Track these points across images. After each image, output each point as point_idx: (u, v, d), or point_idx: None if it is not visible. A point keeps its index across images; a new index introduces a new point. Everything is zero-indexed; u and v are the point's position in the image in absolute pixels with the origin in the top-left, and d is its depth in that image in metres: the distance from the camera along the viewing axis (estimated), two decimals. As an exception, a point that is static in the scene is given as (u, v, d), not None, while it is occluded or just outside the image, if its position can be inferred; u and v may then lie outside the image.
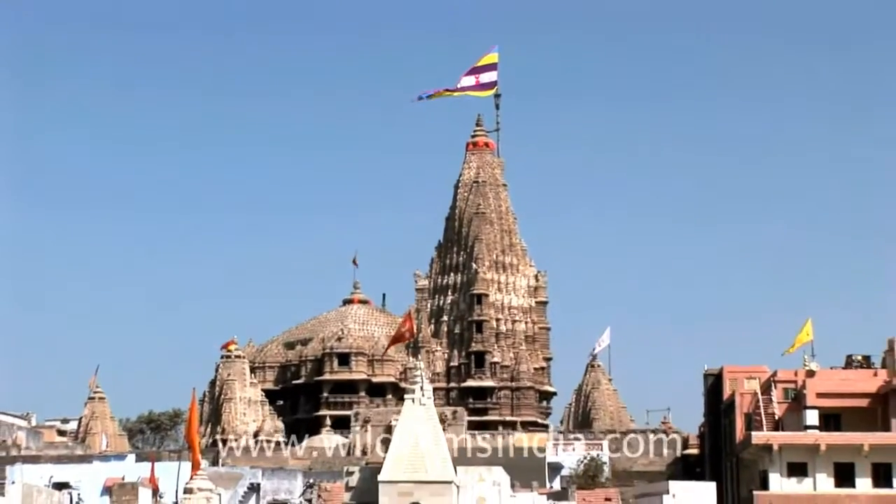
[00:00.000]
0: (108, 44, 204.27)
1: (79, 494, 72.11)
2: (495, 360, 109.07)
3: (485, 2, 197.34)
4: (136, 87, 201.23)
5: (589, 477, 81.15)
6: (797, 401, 65.23)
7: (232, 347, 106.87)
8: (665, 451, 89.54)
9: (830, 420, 64.41)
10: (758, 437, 63.38)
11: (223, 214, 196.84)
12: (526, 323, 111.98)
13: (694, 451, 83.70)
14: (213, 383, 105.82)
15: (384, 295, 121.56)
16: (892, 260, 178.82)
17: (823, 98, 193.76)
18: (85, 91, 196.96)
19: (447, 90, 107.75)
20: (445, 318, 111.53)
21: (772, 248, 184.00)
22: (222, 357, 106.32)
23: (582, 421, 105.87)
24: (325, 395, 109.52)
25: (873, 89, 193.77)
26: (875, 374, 65.68)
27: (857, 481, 62.59)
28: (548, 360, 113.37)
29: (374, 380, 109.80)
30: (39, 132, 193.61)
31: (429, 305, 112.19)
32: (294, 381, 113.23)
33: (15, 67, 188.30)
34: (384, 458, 47.96)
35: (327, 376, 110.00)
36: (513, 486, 51.36)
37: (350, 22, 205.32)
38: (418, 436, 47.10)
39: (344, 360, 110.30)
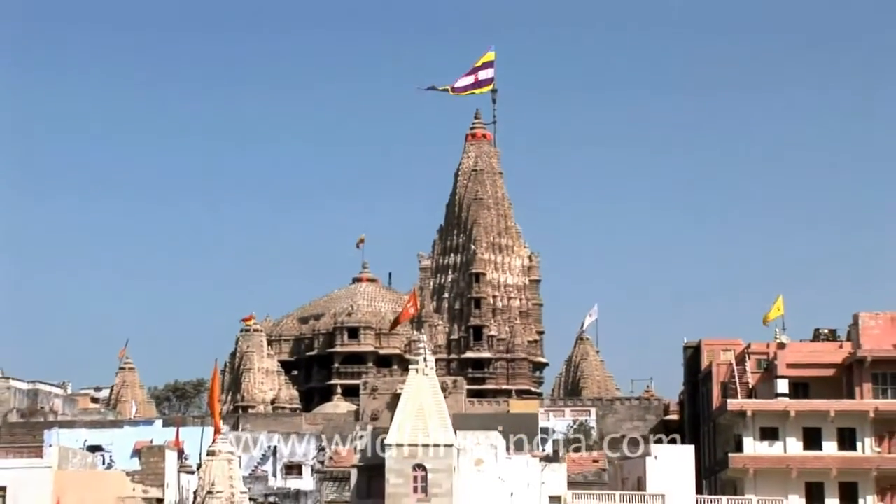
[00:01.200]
0: (122, 38, 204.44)
1: (110, 457, 72.33)
2: (492, 333, 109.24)
3: (483, 3, 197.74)
4: (161, 83, 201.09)
5: (578, 440, 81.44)
6: (769, 371, 65.54)
7: (251, 322, 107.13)
8: (648, 416, 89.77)
9: (799, 388, 64.70)
10: (733, 404, 63.74)
11: (243, 201, 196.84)
12: (520, 300, 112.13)
13: (674, 417, 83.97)
14: (233, 355, 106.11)
15: (390, 274, 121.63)
16: (857, 240, 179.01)
17: (795, 77, 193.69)
18: (113, 80, 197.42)
19: (453, 89, 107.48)
20: (446, 295, 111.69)
21: (746, 230, 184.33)
22: (242, 331, 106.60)
23: (571, 389, 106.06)
24: (336, 365, 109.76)
25: (839, 67, 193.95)
26: (840, 347, 66.01)
27: (824, 444, 62.98)
28: (540, 333, 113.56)
29: (381, 352, 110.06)
30: (73, 108, 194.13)
31: (431, 284, 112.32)
32: (307, 353, 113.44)
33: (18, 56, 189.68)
34: (390, 423, 48.15)
35: (338, 348, 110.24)
36: (508, 449, 51.62)
37: (362, 21, 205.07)
38: (422, 403, 47.38)
39: (353, 333, 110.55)
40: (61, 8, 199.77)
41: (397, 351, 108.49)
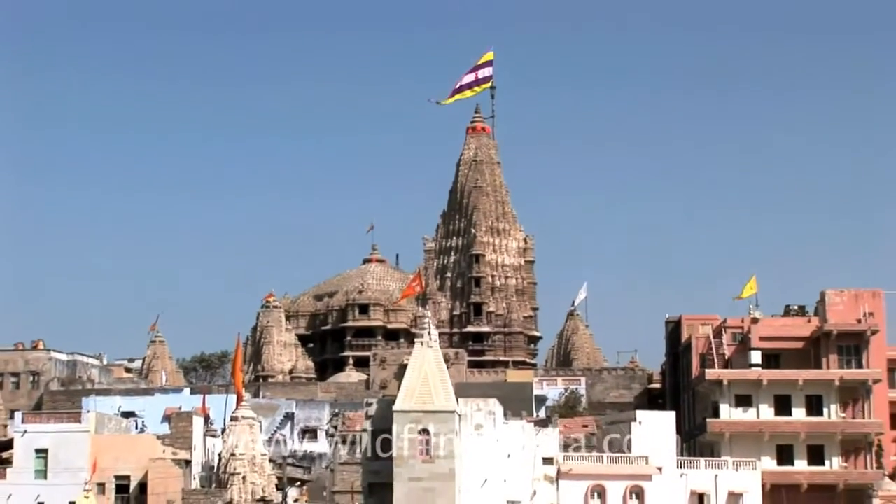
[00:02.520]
0: (141, 30, 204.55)
1: (143, 422, 72.53)
2: (490, 309, 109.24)
3: (483, 8, 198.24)
4: (198, 77, 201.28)
5: (569, 407, 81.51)
6: (743, 343, 65.61)
7: (270, 299, 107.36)
8: (633, 385, 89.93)
9: (771, 359, 64.78)
10: (710, 373, 63.85)
11: (264, 189, 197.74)
12: (516, 279, 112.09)
13: (657, 385, 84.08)
14: (254, 329, 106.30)
15: (397, 255, 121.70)
16: (823, 223, 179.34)
17: (767, 66, 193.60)
18: (152, 67, 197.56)
19: (458, 91, 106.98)
20: (449, 274, 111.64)
21: (723, 215, 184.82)
22: (262, 307, 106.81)
23: (563, 360, 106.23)
24: (349, 339, 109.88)
25: (809, 54, 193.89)
26: (809, 321, 66.08)
27: (794, 410, 63.11)
28: (534, 309, 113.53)
29: (389, 326, 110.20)
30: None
31: (435, 264, 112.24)
32: (322, 328, 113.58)
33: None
34: (398, 391, 48.29)
35: (350, 323, 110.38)
36: (505, 414, 51.70)
37: (378, 22, 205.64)
38: (426, 373, 47.50)
39: (364, 309, 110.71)
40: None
41: (404, 325, 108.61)
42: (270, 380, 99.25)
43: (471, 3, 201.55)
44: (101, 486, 53.93)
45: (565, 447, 56.07)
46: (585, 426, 70.74)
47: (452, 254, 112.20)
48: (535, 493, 52.04)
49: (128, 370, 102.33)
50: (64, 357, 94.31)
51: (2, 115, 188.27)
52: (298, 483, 66.00)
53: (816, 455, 62.78)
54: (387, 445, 46.91)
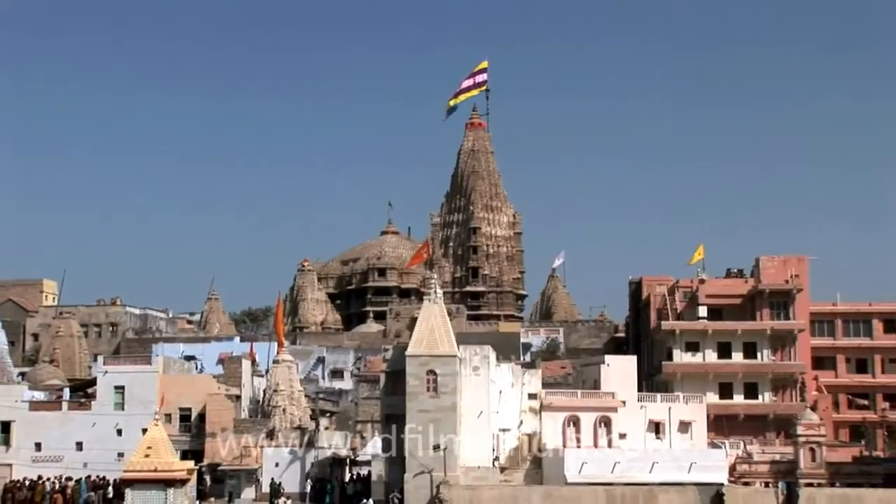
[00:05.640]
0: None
1: (201, 364, 72.79)
2: (485, 272, 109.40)
3: (480, 25, 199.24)
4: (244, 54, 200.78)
5: (549, 352, 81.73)
6: (692, 300, 65.58)
7: (305, 264, 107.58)
8: (602, 334, 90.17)
9: (715, 313, 64.73)
10: (665, 325, 63.91)
11: (300, 172, 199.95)
12: (507, 247, 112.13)
13: (622, 334, 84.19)
14: (292, 289, 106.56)
15: (409, 228, 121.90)
16: (758, 201, 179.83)
17: (716, 56, 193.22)
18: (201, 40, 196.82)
19: (460, 94, 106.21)
20: (451, 244, 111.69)
21: (675, 194, 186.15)
22: (298, 270, 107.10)
23: (545, 314, 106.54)
24: (369, 296, 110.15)
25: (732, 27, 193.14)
26: (746, 282, 66.03)
27: (733, 354, 63.19)
28: (521, 272, 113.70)
29: (403, 286, 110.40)
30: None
31: (440, 235, 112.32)
32: (347, 287, 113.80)
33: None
34: (410, 339, 48.30)
35: (370, 284, 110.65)
36: (497, 359, 51.70)
37: (399, 43, 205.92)
38: (433, 324, 47.40)
39: (382, 272, 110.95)
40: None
41: (415, 286, 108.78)
42: (305, 330, 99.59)
43: (470, 22, 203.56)
44: (168, 416, 54.11)
45: (546, 385, 56.12)
46: (563, 368, 71.06)
47: (454, 227, 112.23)
48: (521, 422, 52.04)
49: (189, 322, 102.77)
50: (137, 311, 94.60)
51: (78, 88, 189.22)
52: (328, 414, 66.29)
53: (751, 391, 62.83)
54: (400, 383, 46.83)
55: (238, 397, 58.37)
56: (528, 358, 75.31)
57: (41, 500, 47.98)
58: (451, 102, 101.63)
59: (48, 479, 50.10)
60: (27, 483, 50.01)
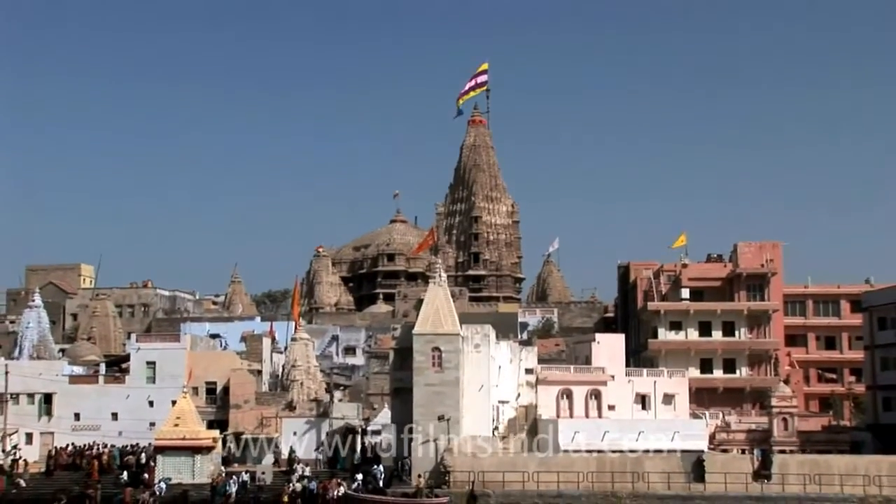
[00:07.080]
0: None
1: (225, 341, 72.68)
2: (486, 258, 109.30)
3: (481, 29, 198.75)
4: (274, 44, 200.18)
5: (545, 331, 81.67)
6: (676, 283, 65.44)
7: (320, 250, 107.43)
8: (593, 314, 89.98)
9: (696, 295, 64.63)
10: (651, 305, 63.77)
11: (314, 166, 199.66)
12: (505, 234, 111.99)
13: (611, 314, 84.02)
14: (308, 272, 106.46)
15: (416, 217, 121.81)
16: (735, 192, 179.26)
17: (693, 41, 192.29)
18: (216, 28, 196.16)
19: (464, 94, 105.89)
20: (454, 231, 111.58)
21: (660, 186, 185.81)
22: (314, 256, 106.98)
23: (540, 296, 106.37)
24: (379, 279, 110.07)
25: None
26: (725, 266, 65.84)
27: (713, 333, 63.04)
28: (519, 257, 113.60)
29: (410, 270, 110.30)
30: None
31: (444, 223, 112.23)
32: (359, 271, 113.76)
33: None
34: (416, 319, 48.20)
35: (380, 268, 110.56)
36: (497, 337, 51.67)
37: (409, 49, 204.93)
38: (438, 305, 47.30)
39: (391, 257, 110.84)
40: None
41: (421, 270, 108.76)
42: (320, 310, 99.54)
43: (472, 27, 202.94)
44: (195, 389, 54.24)
45: (542, 361, 56.07)
46: (557, 345, 71.04)
47: (457, 216, 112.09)
48: (519, 395, 52.06)
49: (214, 303, 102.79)
50: (166, 293, 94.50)
51: (98, 74, 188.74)
52: (342, 387, 66.31)
53: (730, 366, 62.74)
54: (408, 359, 46.78)
55: (259, 372, 58.38)
56: (525, 336, 75.38)
57: (81, 464, 48.28)
58: (460, 102, 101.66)
59: (86, 446, 50.29)
60: (69, 449, 50.36)
